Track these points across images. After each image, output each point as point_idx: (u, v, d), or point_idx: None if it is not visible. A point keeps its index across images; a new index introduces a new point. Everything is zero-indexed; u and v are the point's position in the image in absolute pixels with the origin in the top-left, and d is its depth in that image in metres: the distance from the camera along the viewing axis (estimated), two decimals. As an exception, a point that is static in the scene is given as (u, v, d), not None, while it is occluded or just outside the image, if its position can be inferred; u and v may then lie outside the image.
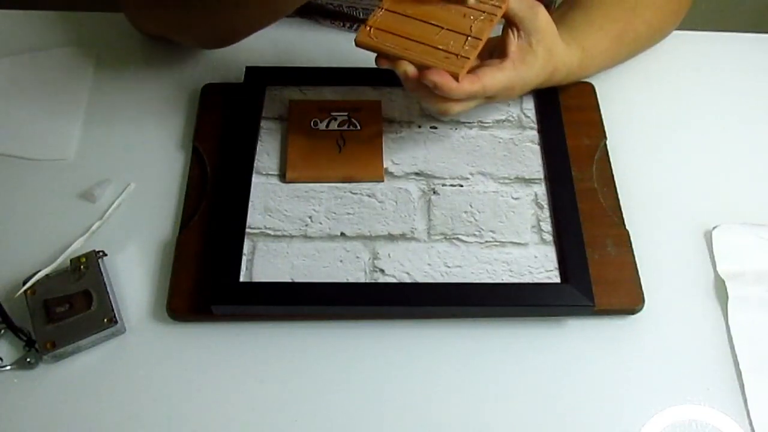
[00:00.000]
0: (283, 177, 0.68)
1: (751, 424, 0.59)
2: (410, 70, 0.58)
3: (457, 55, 0.59)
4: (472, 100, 0.61)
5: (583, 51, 0.68)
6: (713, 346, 0.63)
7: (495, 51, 0.64)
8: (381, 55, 0.60)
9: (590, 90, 0.75)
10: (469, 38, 0.59)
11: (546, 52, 0.64)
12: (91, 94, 0.76)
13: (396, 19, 0.61)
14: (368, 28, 0.60)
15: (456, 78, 0.58)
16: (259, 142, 0.70)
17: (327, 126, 0.71)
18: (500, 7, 0.61)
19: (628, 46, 0.75)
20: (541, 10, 0.63)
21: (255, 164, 0.69)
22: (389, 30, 0.60)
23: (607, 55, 0.74)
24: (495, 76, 0.61)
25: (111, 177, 0.70)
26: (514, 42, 0.62)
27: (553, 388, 0.61)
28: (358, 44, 0.60)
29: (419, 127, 0.72)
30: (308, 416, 0.59)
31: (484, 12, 0.61)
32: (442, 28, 0.60)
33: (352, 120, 0.71)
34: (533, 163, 0.70)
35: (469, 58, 0.59)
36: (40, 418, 0.58)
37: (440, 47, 0.59)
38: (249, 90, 0.72)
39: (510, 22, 0.62)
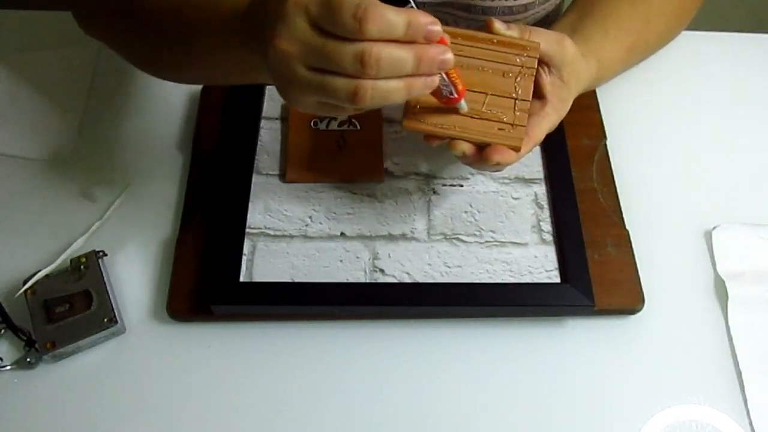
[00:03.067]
0: (283, 177, 0.68)
1: (751, 424, 0.59)
2: (467, 149, 0.57)
3: (511, 124, 0.57)
4: None
5: (599, 63, 0.68)
6: (713, 346, 0.63)
7: None
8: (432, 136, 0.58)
9: (590, 90, 0.75)
10: (517, 101, 0.57)
11: (576, 81, 0.63)
12: (91, 94, 0.76)
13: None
14: (414, 107, 0.57)
15: (516, 149, 0.57)
16: (259, 142, 0.70)
17: (327, 126, 0.71)
18: (535, 57, 0.58)
19: (637, 56, 0.76)
20: (568, 42, 0.62)
21: (255, 164, 0.69)
22: (433, 107, 0.56)
23: (620, 67, 0.74)
24: (542, 127, 0.60)
25: (111, 177, 0.70)
26: (547, 80, 0.61)
27: (554, 388, 0.61)
28: (406, 128, 0.57)
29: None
30: (308, 416, 0.59)
31: (519, 66, 0.58)
32: (487, 93, 0.58)
33: (352, 120, 0.71)
34: (533, 163, 0.70)
35: (524, 126, 0.57)
36: (40, 418, 0.58)
37: (493, 119, 0.57)
38: (249, 90, 0.72)
39: (540, 62, 0.60)
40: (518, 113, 0.57)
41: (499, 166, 0.58)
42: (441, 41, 0.47)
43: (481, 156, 0.57)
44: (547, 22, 0.82)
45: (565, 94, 0.62)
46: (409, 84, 0.47)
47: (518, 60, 0.58)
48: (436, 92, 0.52)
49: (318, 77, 0.46)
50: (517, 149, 0.57)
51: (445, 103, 0.54)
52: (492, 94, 0.58)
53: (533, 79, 0.58)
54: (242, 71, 0.56)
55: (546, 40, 0.60)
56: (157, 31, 0.60)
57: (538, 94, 0.60)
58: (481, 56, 0.58)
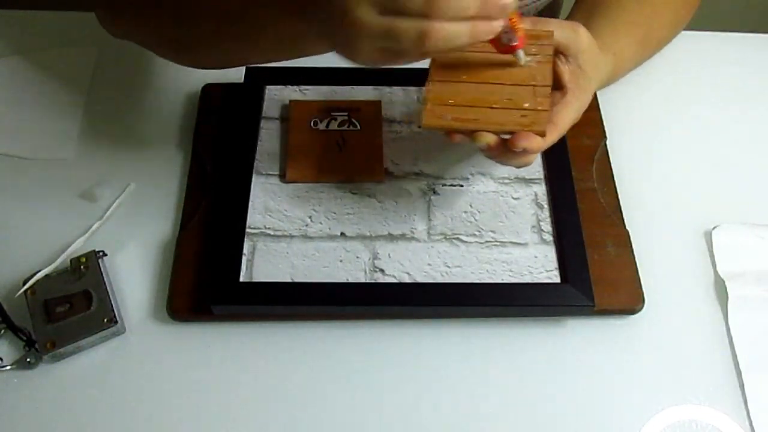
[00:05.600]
0: (283, 177, 0.68)
1: (751, 424, 0.59)
2: (491, 140, 0.55)
3: (534, 110, 0.55)
4: None
5: (614, 56, 0.68)
6: (713, 346, 0.63)
7: None
8: (453, 131, 0.56)
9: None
10: (536, 88, 0.56)
11: (594, 69, 0.62)
12: (91, 94, 0.76)
13: (453, 89, 0.56)
14: (429, 107, 0.55)
15: (541, 134, 0.55)
16: (259, 142, 0.70)
17: (327, 126, 0.71)
18: (550, 45, 0.58)
19: (649, 49, 0.76)
20: (582, 30, 0.61)
21: (255, 164, 0.69)
22: (451, 103, 0.55)
23: (633, 61, 0.74)
24: (567, 115, 0.59)
25: (111, 177, 0.70)
26: (566, 70, 0.60)
27: (553, 388, 0.61)
28: (425, 127, 0.55)
29: (419, 127, 0.72)
30: (308, 416, 0.59)
31: (536, 54, 0.57)
32: (505, 84, 0.56)
33: (352, 120, 0.71)
34: (533, 163, 0.69)
35: (547, 110, 0.55)
36: (40, 418, 0.58)
37: (513, 107, 0.55)
38: (249, 90, 0.72)
39: (556, 50, 0.60)
40: (540, 98, 0.56)
41: (526, 156, 0.57)
42: None
43: (507, 145, 0.56)
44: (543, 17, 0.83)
45: (585, 82, 0.61)
46: (473, 27, 0.48)
47: (533, 49, 0.58)
48: (496, 40, 0.53)
49: (387, 20, 0.47)
50: (542, 134, 0.55)
51: (504, 51, 0.55)
52: (511, 84, 0.57)
53: (551, 65, 0.58)
54: (290, 41, 0.59)
55: (559, 28, 0.60)
56: (190, 12, 0.61)
57: (558, 83, 0.60)
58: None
